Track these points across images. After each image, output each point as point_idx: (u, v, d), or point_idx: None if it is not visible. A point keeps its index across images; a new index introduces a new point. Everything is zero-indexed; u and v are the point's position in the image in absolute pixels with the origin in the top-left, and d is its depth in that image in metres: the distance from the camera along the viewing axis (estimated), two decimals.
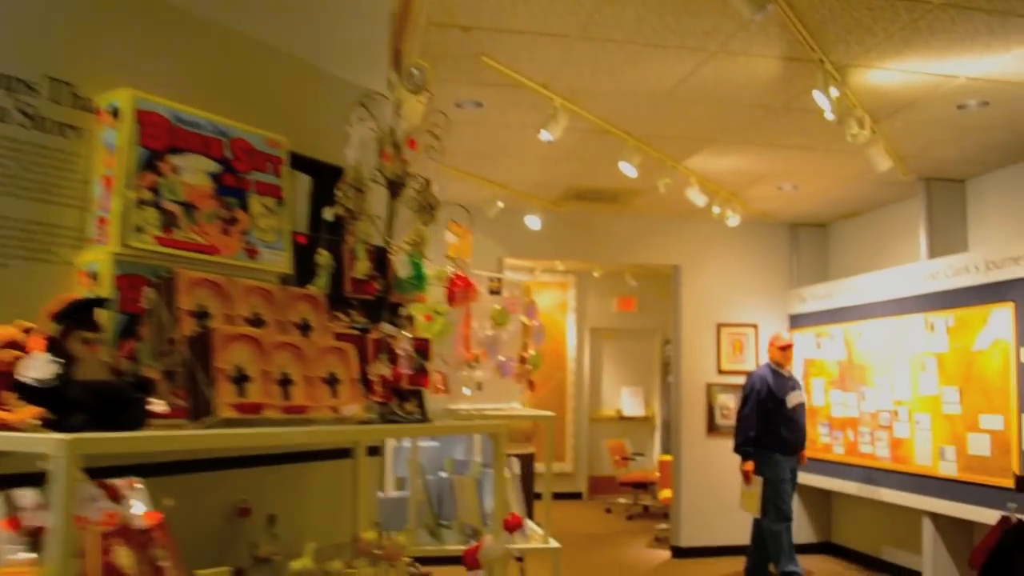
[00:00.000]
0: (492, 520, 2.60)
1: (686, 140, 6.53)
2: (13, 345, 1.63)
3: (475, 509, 3.60)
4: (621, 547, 9.68)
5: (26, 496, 1.61)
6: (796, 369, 8.27)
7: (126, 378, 1.65)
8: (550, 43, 4.77)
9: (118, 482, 1.80)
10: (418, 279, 2.27)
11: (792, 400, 7.59)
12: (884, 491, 7.59)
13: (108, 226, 1.99)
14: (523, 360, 3.56)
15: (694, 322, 9.27)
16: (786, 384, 7.66)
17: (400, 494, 3.79)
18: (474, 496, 3.61)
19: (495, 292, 3.49)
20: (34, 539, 1.54)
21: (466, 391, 3.24)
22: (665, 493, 9.83)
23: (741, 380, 8.90)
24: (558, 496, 12.60)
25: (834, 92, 4.93)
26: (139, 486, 1.86)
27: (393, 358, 2.22)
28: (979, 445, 6.45)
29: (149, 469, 2.09)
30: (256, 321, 1.94)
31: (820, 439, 8.49)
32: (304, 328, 2.07)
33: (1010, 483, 6.02)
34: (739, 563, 8.22)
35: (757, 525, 7.70)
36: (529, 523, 3.91)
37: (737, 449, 7.61)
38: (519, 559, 3.05)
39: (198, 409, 1.69)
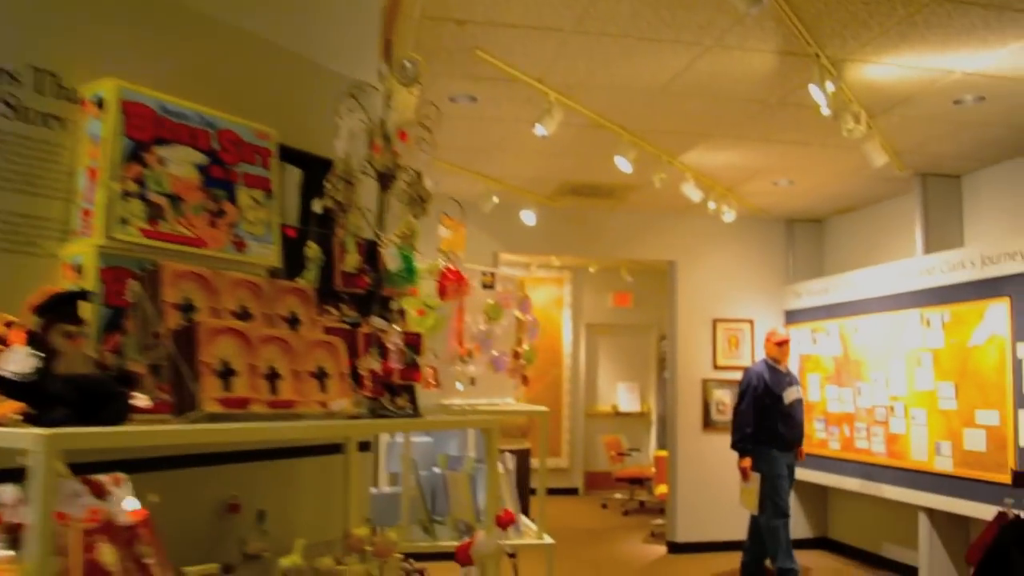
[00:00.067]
0: (485, 516, 2.57)
1: (681, 135, 6.50)
2: None
3: (468, 505, 3.57)
4: (617, 543, 9.66)
5: (6, 492, 1.58)
6: (792, 365, 8.25)
7: (108, 372, 1.61)
8: (545, 37, 4.74)
9: (103, 478, 1.76)
10: (408, 272, 2.24)
11: (789, 396, 7.57)
12: (880, 486, 7.58)
13: (92, 218, 1.96)
14: (517, 355, 3.54)
15: (690, 318, 9.25)
16: (783, 380, 7.64)
17: (393, 490, 3.76)
18: (467, 492, 3.59)
19: (488, 287, 3.46)
20: (14, 536, 1.51)
21: (459, 386, 3.22)
22: (661, 489, 9.82)
23: (737, 376, 8.88)
24: (554, 492, 12.66)
25: (830, 87, 4.90)
26: (124, 482, 1.82)
27: (383, 352, 2.19)
28: (975, 440, 6.43)
29: (136, 464, 2.07)
30: (243, 315, 1.91)
31: (816, 435, 8.47)
32: (292, 322, 2.04)
33: (1006, 479, 6.00)
34: (735, 559, 8.20)
35: (755, 520, 7.69)
36: (523, 519, 3.89)
37: (734, 446, 7.59)
38: (511, 555, 3.03)
39: (183, 404, 1.66)
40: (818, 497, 9.10)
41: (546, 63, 5.10)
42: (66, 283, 1.95)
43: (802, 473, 8.19)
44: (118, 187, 1.96)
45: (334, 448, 2.66)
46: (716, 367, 9.25)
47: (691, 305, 9.26)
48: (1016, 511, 5.33)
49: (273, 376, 1.82)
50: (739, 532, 8.49)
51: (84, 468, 1.76)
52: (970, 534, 6.99)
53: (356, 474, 2.62)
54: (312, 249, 2.21)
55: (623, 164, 6.28)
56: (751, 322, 9.35)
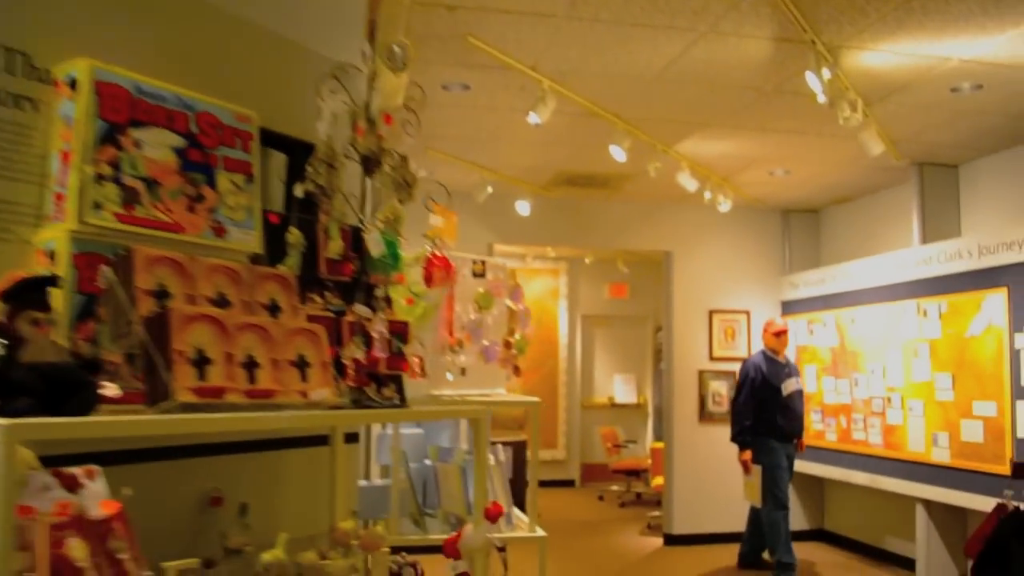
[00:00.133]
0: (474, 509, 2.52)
1: (676, 123, 6.44)
2: None
3: (460, 497, 3.51)
4: (613, 535, 9.63)
5: None
6: (790, 355, 8.19)
7: (76, 361, 1.55)
8: (537, 23, 4.67)
9: (75, 470, 1.70)
10: (393, 258, 2.18)
11: (788, 387, 7.51)
12: (877, 478, 7.54)
13: (65, 203, 1.90)
14: (508, 345, 3.47)
15: (686, 308, 9.20)
16: (781, 371, 7.58)
17: (383, 482, 3.70)
18: (459, 484, 3.53)
19: (479, 275, 3.40)
20: None
21: (449, 376, 3.16)
22: (657, 480, 9.78)
23: (733, 367, 8.85)
24: (551, 484, 12.63)
25: (826, 74, 4.84)
26: (98, 474, 1.77)
27: (368, 341, 2.13)
28: (972, 432, 6.39)
29: (115, 457, 2.01)
30: (221, 302, 1.85)
31: (813, 426, 8.43)
32: (273, 309, 1.98)
33: (1004, 470, 5.96)
34: (731, 550, 8.18)
35: (754, 511, 7.64)
36: (516, 511, 3.83)
37: (734, 439, 7.53)
38: (501, 549, 2.98)
39: (155, 393, 1.60)
40: (815, 489, 9.07)
41: (539, 50, 5.04)
42: (39, 269, 1.90)
43: (799, 465, 8.13)
44: (91, 170, 1.90)
45: (321, 439, 2.61)
46: (712, 358, 9.20)
47: (687, 296, 9.20)
48: (1015, 503, 5.28)
49: (251, 365, 1.76)
50: (735, 524, 8.47)
51: (59, 460, 1.71)
52: (968, 526, 6.95)
53: (343, 466, 2.57)
54: (293, 235, 2.15)
55: (618, 153, 6.22)
56: (747, 313, 9.30)
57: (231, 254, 2.13)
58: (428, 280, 2.54)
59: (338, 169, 2.11)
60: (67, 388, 1.46)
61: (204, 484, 2.27)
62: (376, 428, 4.36)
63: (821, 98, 4.96)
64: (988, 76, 5.35)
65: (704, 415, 9.10)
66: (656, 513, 9.80)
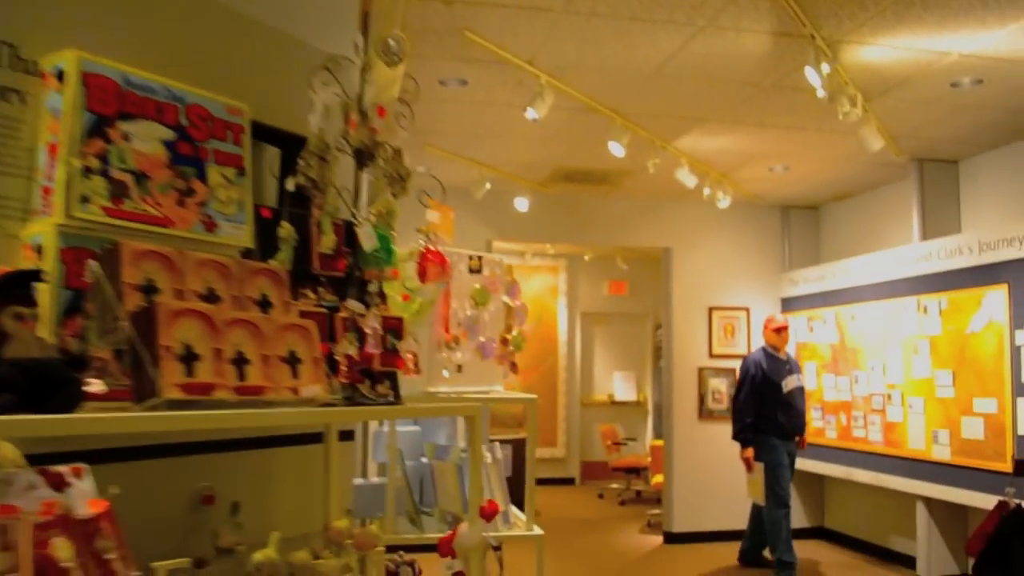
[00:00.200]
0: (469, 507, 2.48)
1: (675, 119, 6.41)
2: None
3: (456, 496, 3.48)
4: (613, 532, 9.59)
5: None
6: (791, 352, 8.15)
7: (61, 356, 1.52)
8: (534, 17, 4.64)
9: (62, 469, 1.67)
10: (385, 252, 2.14)
11: (789, 384, 7.46)
12: (877, 476, 7.51)
13: (52, 196, 1.87)
14: (505, 341, 3.44)
15: (685, 305, 9.16)
16: (782, 368, 7.53)
17: (380, 480, 3.66)
18: (455, 482, 3.50)
19: (475, 271, 3.36)
20: None
21: (445, 373, 3.13)
22: (657, 478, 9.75)
23: (733, 364, 8.83)
24: (551, 482, 12.62)
25: (825, 68, 4.81)
26: (86, 473, 1.73)
27: (361, 337, 2.10)
28: (973, 429, 6.36)
29: (105, 455, 1.98)
30: (210, 297, 1.82)
31: (813, 423, 8.38)
32: (264, 305, 1.95)
33: (1005, 467, 5.94)
34: (731, 548, 8.16)
35: (756, 508, 7.60)
36: (514, 510, 3.80)
37: (735, 437, 7.48)
38: (496, 548, 2.95)
39: (142, 390, 1.57)
40: (815, 487, 9.03)
41: (536, 44, 5.00)
42: (26, 264, 1.87)
43: (799, 462, 8.09)
44: (79, 163, 1.87)
45: (314, 437, 2.57)
46: (712, 355, 9.16)
47: (686, 293, 9.17)
48: (1017, 500, 5.25)
49: (241, 361, 1.72)
50: (735, 522, 8.44)
51: (47, 458, 1.68)
52: (968, 523, 6.93)
53: (337, 464, 2.53)
54: (285, 229, 2.11)
55: (616, 149, 6.19)
56: (747, 310, 9.26)
57: (222, 249, 2.10)
58: (422, 275, 2.51)
59: (330, 162, 2.08)
60: (51, 384, 1.43)
61: (196, 482, 2.24)
62: (373, 425, 4.33)
63: (820, 93, 4.93)
64: (988, 71, 5.31)
65: (704, 412, 9.06)
66: (656, 511, 9.77)
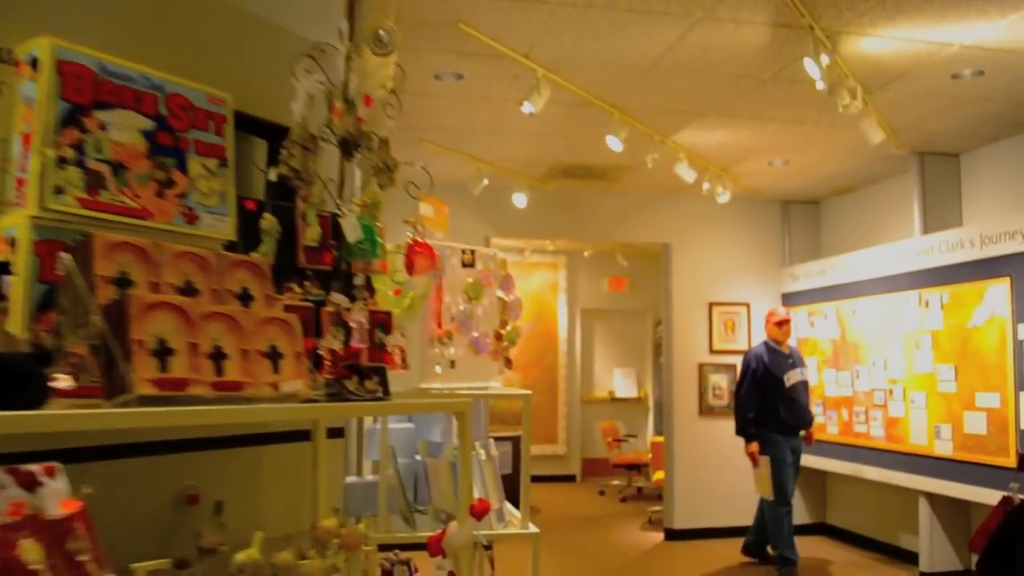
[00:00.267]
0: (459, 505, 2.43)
1: (673, 113, 6.35)
2: None
3: (450, 493, 3.43)
4: (614, 529, 9.54)
5: None
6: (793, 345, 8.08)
7: (29, 351, 1.47)
8: (529, 9, 4.58)
9: (33, 468, 1.62)
10: (370, 244, 2.09)
11: (791, 378, 7.38)
12: (879, 471, 7.46)
13: (26, 187, 1.82)
14: (499, 337, 3.39)
15: (685, 301, 9.11)
16: (784, 362, 7.46)
17: (373, 478, 3.61)
18: (449, 480, 3.44)
19: (468, 265, 3.31)
20: None
21: (438, 369, 3.07)
22: (658, 475, 9.70)
23: (733, 360, 8.78)
24: (552, 479, 12.58)
25: (825, 60, 4.75)
26: (59, 472, 1.68)
27: (348, 332, 2.05)
28: (975, 424, 6.31)
29: (84, 453, 1.94)
30: (188, 290, 1.76)
31: (814, 419, 8.33)
32: (245, 298, 1.89)
33: (1008, 462, 5.88)
34: (732, 545, 8.11)
35: (764, 502, 7.53)
36: (510, 507, 3.75)
37: (739, 432, 7.41)
38: (487, 547, 2.90)
39: (113, 386, 1.52)
40: (816, 482, 8.98)
41: (532, 37, 4.94)
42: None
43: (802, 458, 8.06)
44: (53, 154, 1.81)
45: (302, 435, 2.52)
46: (712, 351, 9.11)
47: (686, 288, 9.11)
48: (1021, 496, 5.20)
49: (218, 356, 1.67)
50: (736, 518, 8.40)
51: (22, 457, 1.63)
52: (971, 519, 6.88)
53: (325, 462, 2.48)
54: (267, 221, 2.06)
55: (614, 143, 6.13)
56: (747, 305, 9.21)
57: (203, 241, 2.05)
58: (410, 268, 2.46)
59: (314, 152, 2.02)
60: (15, 380, 1.37)
61: (179, 481, 2.19)
62: (368, 423, 4.28)
63: (820, 85, 4.87)
64: (989, 62, 5.25)
65: (704, 409, 9.01)
66: (657, 508, 9.72)
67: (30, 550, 1.45)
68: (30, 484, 1.60)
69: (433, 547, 2.28)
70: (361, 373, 2.15)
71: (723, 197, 7.66)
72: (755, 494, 7.59)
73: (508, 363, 3.47)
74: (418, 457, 3.71)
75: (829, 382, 8.30)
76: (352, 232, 2.02)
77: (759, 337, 8.12)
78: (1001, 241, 6.17)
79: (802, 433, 7.49)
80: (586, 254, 12.99)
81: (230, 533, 2.11)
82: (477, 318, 3.23)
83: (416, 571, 3.30)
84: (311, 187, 2.06)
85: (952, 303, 6.62)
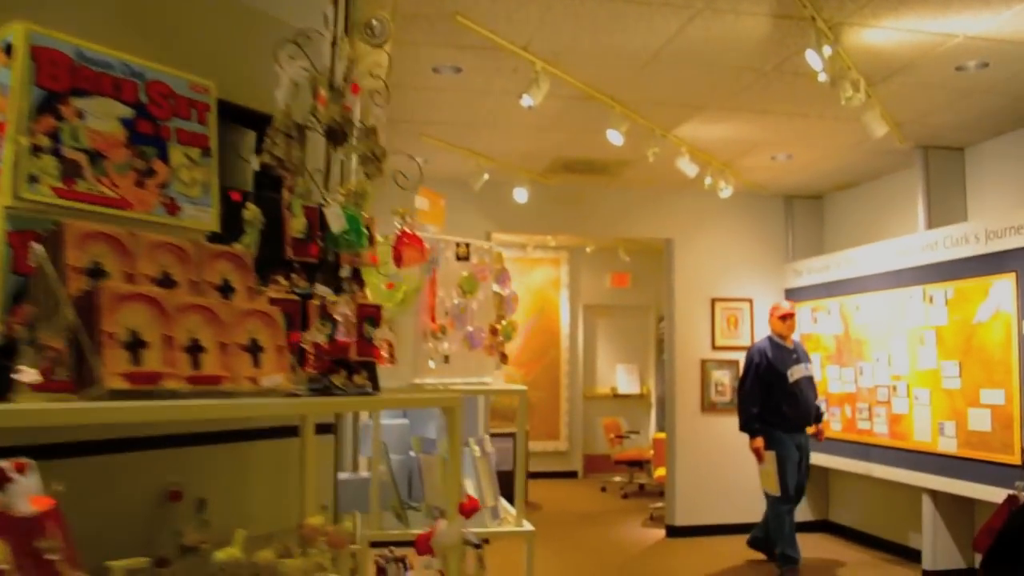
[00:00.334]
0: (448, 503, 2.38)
1: (675, 107, 6.29)
2: None
3: (443, 490, 3.38)
4: (615, 526, 9.50)
5: None
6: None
7: None
8: (527, 1, 4.52)
9: (3, 464, 1.57)
10: (355, 235, 2.03)
11: (795, 374, 7.30)
12: (882, 468, 7.40)
13: None
14: (495, 331, 3.34)
15: (687, 297, 9.05)
16: (788, 357, 7.38)
17: (366, 475, 3.56)
18: (442, 476, 3.40)
19: (463, 258, 3.26)
20: None
21: (431, 364, 3.02)
22: (660, 472, 9.64)
23: (736, 356, 8.72)
24: (554, 475, 12.55)
25: (827, 51, 4.69)
26: (30, 468, 1.63)
27: (334, 325, 2.00)
28: (980, 420, 6.25)
29: (61, 449, 1.89)
30: (165, 281, 1.71)
31: (823, 414, 8.27)
32: (225, 290, 1.84)
33: (1012, 460, 5.82)
34: (734, 542, 8.07)
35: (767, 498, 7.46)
36: (506, 505, 3.70)
37: (743, 428, 7.34)
38: (477, 546, 2.85)
39: (84, 379, 1.47)
40: (819, 480, 8.91)
41: (530, 29, 4.89)
42: None
43: None
44: (27, 142, 1.76)
45: (290, 431, 2.47)
46: (715, 347, 9.05)
47: (689, 284, 9.05)
48: None
49: (195, 349, 1.62)
50: (738, 515, 8.36)
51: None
52: (975, 517, 6.82)
53: (313, 459, 2.43)
54: (251, 211, 2.00)
55: (615, 137, 6.08)
56: (750, 301, 9.15)
57: (185, 232, 2.00)
58: (398, 260, 2.40)
59: (298, 141, 1.97)
60: None
61: (163, 478, 2.14)
62: (363, 417, 4.23)
63: (822, 76, 4.81)
64: (994, 53, 5.19)
65: (706, 405, 8.95)
66: (658, 504, 9.67)
67: None
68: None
69: (421, 546, 2.23)
70: (349, 367, 2.10)
71: (725, 192, 7.61)
72: (759, 490, 7.52)
73: (504, 358, 3.42)
74: (412, 453, 3.66)
75: (832, 378, 8.24)
76: (336, 222, 1.97)
77: (762, 333, 8.06)
78: (1006, 236, 6.11)
79: (811, 430, 7.41)
80: (588, 250, 12.94)
81: (213, 531, 2.06)
82: (472, 312, 3.18)
83: (410, 569, 3.26)
84: (296, 177, 2.01)
85: (956, 299, 6.56)
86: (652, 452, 10.64)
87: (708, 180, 7.52)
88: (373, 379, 2.15)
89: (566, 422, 13.12)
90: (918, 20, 4.71)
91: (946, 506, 6.87)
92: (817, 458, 8.26)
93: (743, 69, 5.51)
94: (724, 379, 8.97)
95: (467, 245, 3.25)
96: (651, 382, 13.59)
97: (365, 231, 2.06)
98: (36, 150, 1.77)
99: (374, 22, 2.48)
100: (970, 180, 7.28)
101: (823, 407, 7.73)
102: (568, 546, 8.38)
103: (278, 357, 1.78)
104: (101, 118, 1.89)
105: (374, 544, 3.33)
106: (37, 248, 1.60)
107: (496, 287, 3.39)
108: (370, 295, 2.36)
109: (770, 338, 7.50)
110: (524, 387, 3.50)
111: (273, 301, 1.97)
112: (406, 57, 5.23)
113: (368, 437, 3.78)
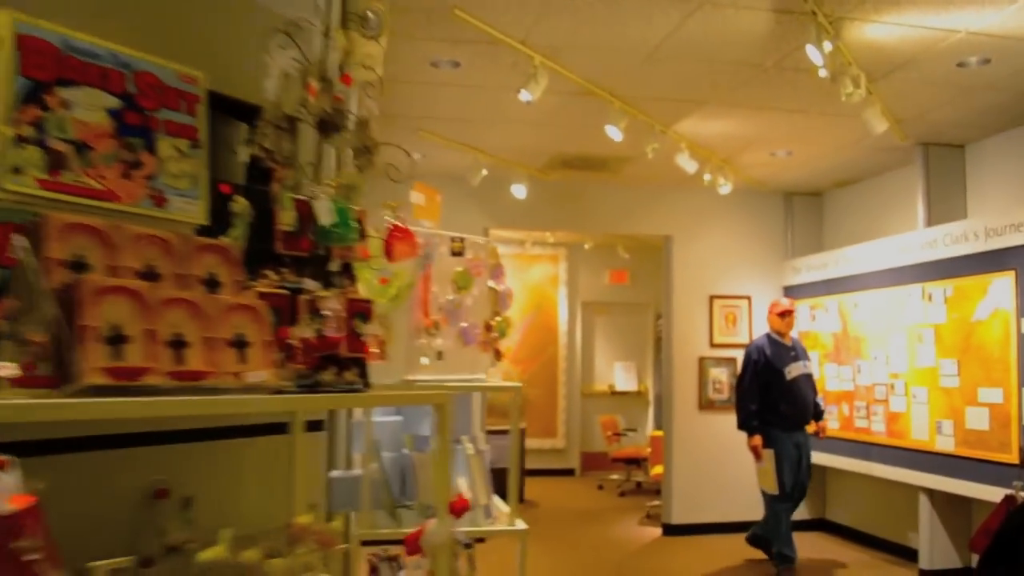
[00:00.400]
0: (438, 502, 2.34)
1: (674, 102, 6.25)
2: None
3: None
4: (612, 524, 9.47)
5: None
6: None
7: None
8: None
9: None
10: (345, 228, 2.00)
11: (793, 371, 7.26)
12: (880, 467, 7.37)
13: None
14: (489, 327, 3.30)
15: (686, 294, 9.01)
16: (786, 355, 7.34)
17: (357, 472, 3.53)
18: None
19: (457, 254, 3.22)
20: None
21: (424, 360, 2.99)
22: (657, 469, 9.61)
23: (734, 354, 8.69)
24: (551, 473, 12.52)
25: (827, 47, 4.65)
26: (12, 465, 1.60)
27: (323, 320, 1.96)
28: (978, 419, 6.22)
29: (44, 446, 1.85)
30: (149, 275, 1.68)
31: (824, 412, 8.23)
32: (212, 284, 1.81)
33: (1011, 458, 5.79)
34: (730, 541, 8.04)
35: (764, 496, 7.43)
36: (498, 502, 3.67)
37: (741, 426, 7.30)
38: (467, 545, 2.82)
39: (64, 374, 1.43)
40: (816, 478, 8.85)
41: (529, 23, 4.85)
42: None
43: None
44: (11, 132, 1.73)
45: (279, 428, 2.44)
46: (713, 345, 9.02)
47: (687, 281, 9.02)
48: None
49: (179, 344, 1.58)
50: (734, 514, 8.33)
51: None
52: (972, 516, 6.79)
53: (302, 456, 2.40)
54: (239, 204, 1.97)
55: (614, 133, 6.04)
56: (749, 298, 9.11)
57: (173, 225, 1.96)
58: (389, 254, 2.37)
59: (289, 132, 1.93)
60: None
61: (150, 476, 2.11)
62: (357, 414, 4.20)
63: (822, 72, 4.78)
64: (996, 49, 5.15)
65: (704, 403, 8.92)
66: (655, 502, 9.64)
67: None
68: None
69: (411, 545, 2.20)
70: (340, 364, 2.07)
71: (725, 189, 7.58)
72: (756, 488, 7.49)
73: (498, 354, 3.39)
74: (405, 451, 3.63)
75: (830, 376, 8.21)
76: (325, 215, 1.93)
77: (760, 330, 8.02)
78: (1006, 234, 6.08)
79: (811, 428, 7.37)
80: (587, 246, 12.90)
81: (199, 530, 2.02)
82: (466, 308, 3.15)
83: (403, 568, 3.23)
84: (286, 169, 1.97)
85: (956, 297, 6.53)
86: (649, 450, 10.61)
87: (707, 177, 7.48)
88: (363, 375, 2.12)
89: (563, 419, 13.09)
90: (920, 15, 4.68)
91: (943, 505, 6.84)
92: (814, 457, 8.20)
93: (743, 64, 5.47)
94: (722, 377, 8.94)
95: (462, 240, 3.22)
96: (649, 380, 13.56)
97: (355, 224, 2.03)
98: (21, 141, 1.74)
99: (368, 13, 2.44)
100: (970, 177, 7.25)
101: (823, 404, 7.69)
102: (564, 544, 8.35)
103: (265, 353, 1.75)
104: (88, 108, 1.86)
105: (366, 543, 3.29)
106: (20, 240, 1.57)
107: (491, 282, 3.36)
108: (363, 290, 2.33)
109: (768, 335, 7.47)
110: (519, 384, 3.46)
111: (262, 295, 1.94)
112: (403, 51, 5.20)
113: (361, 434, 3.75)
